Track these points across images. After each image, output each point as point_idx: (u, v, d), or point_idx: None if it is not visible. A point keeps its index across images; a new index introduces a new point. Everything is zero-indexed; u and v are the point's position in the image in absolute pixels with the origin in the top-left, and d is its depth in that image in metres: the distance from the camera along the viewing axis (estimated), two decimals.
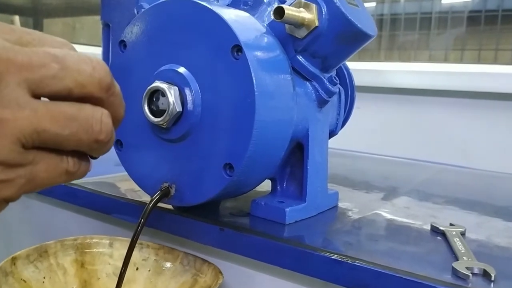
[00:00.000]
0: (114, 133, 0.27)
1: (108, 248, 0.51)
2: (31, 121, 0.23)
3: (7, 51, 0.22)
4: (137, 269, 0.50)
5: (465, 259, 0.41)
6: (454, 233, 0.48)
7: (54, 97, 0.24)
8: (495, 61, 1.23)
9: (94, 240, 0.51)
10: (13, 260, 0.45)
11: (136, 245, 0.50)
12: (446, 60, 1.32)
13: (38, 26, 1.53)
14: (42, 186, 0.25)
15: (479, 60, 1.25)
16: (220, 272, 0.46)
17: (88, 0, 1.57)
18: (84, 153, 0.27)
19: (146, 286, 0.49)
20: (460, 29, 1.29)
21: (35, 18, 1.54)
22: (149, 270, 0.50)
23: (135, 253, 0.50)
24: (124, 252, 0.48)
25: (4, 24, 0.24)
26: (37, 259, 0.47)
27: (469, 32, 1.28)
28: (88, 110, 0.25)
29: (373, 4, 1.46)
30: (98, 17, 0.60)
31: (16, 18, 1.47)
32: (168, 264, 0.50)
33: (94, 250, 0.51)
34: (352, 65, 0.63)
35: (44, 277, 0.47)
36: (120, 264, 0.48)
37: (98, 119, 0.25)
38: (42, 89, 0.23)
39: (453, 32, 1.30)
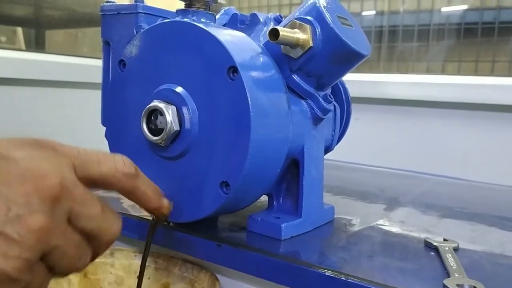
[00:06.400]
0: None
1: (110, 258, 0.53)
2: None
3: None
4: (137, 276, 0.51)
5: (456, 275, 0.42)
6: (447, 248, 0.49)
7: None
8: (492, 72, 1.24)
9: None
10: None
11: (136, 254, 0.53)
12: (443, 71, 1.33)
13: (40, 38, 1.55)
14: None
15: (476, 72, 1.27)
16: (217, 279, 0.48)
17: (89, 12, 1.59)
18: None
19: None
20: (457, 41, 1.30)
21: (37, 29, 1.56)
22: (148, 278, 0.52)
23: (135, 261, 0.52)
24: (125, 261, 0.52)
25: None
26: None
27: (466, 44, 1.29)
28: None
29: (373, 12, 1.47)
30: (99, 28, 0.61)
31: (19, 30, 1.48)
32: (167, 272, 0.51)
33: (97, 260, 0.52)
34: (351, 76, 0.64)
35: None
36: (121, 273, 0.52)
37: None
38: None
39: (451, 44, 1.31)
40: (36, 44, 1.54)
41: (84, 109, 1.14)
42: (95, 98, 0.65)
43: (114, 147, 0.54)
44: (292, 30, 0.48)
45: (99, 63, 0.63)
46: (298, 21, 0.49)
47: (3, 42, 1.44)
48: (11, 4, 1.47)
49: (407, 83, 1.17)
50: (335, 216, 0.60)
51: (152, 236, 0.47)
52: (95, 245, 0.33)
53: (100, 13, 0.59)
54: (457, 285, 0.40)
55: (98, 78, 0.63)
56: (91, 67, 1.23)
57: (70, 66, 1.24)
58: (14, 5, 1.49)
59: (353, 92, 0.66)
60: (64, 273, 0.32)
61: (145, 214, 0.56)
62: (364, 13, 1.51)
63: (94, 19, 1.50)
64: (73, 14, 1.59)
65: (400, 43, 1.37)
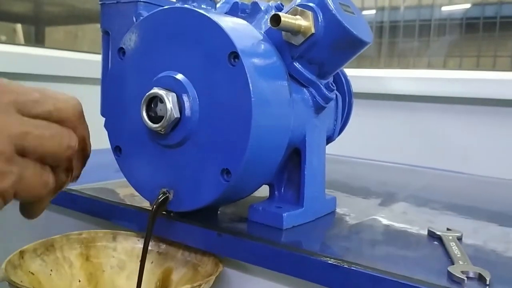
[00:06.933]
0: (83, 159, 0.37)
1: (112, 242, 0.53)
2: (19, 126, 0.30)
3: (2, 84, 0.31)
4: (140, 261, 0.51)
5: (460, 263, 0.42)
6: (450, 237, 0.49)
7: (37, 118, 0.32)
8: (493, 67, 1.24)
9: (98, 234, 0.53)
10: (21, 253, 0.46)
11: (138, 238, 0.53)
12: (445, 66, 1.33)
13: (39, 35, 1.54)
14: (28, 192, 0.31)
15: (477, 67, 1.26)
16: (220, 261, 0.47)
17: (89, 8, 1.58)
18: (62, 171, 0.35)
19: (149, 277, 0.50)
20: (458, 36, 1.29)
21: (37, 26, 1.55)
22: (151, 262, 0.51)
23: (138, 245, 0.53)
24: (127, 245, 0.53)
25: None
26: (44, 253, 0.49)
27: (468, 39, 1.29)
28: (60, 128, 0.33)
29: (373, 11, 1.47)
30: (99, 25, 0.61)
31: (19, 26, 1.48)
32: (170, 256, 0.51)
33: (99, 244, 0.53)
34: (352, 71, 0.64)
35: (51, 270, 0.48)
36: (123, 257, 0.52)
37: (67, 135, 0.33)
38: (27, 111, 0.31)
39: (452, 39, 1.31)
40: (36, 42, 1.53)
41: (83, 104, 1.14)
42: (94, 93, 0.65)
43: (114, 137, 0.53)
44: (294, 17, 0.47)
45: (98, 58, 0.63)
46: (300, 8, 0.48)
47: (3, 42, 1.43)
48: (10, 0, 1.46)
49: (408, 78, 1.17)
50: (336, 208, 0.59)
51: (152, 225, 0.46)
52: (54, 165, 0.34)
53: (99, 2, 0.59)
54: (462, 271, 0.39)
55: (98, 74, 0.62)
56: (90, 62, 1.23)
57: (70, 61, 1.23)
58: (13, 1, 1.49)
59: (353, 87, 0.65)
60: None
61: (144, 204, 0.56)
62: (364, 12, 1.50)
63: (93, 15, 1.50)
64: (72, 10, 1.59)
65: (401, 38, 1.36)
